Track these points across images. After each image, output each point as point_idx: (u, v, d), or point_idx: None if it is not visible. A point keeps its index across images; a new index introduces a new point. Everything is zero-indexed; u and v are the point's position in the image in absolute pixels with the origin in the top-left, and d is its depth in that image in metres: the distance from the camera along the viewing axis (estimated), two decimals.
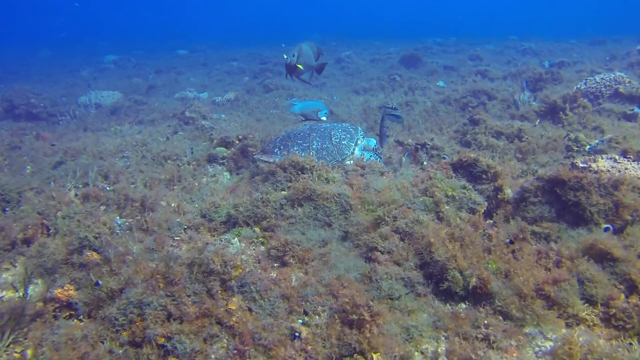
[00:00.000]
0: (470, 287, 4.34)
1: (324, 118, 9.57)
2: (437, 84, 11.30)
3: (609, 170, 5.76)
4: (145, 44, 44.88)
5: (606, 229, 5.04)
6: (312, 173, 6.75)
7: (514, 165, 7.60)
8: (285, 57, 7.84)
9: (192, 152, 9.68)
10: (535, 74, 13.37)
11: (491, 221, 5.97)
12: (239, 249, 5.41)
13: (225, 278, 4.57)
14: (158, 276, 4.59)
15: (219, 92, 18.97)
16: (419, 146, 8.70)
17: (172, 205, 7.32)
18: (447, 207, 5.82)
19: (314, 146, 7.72)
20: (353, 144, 7.87)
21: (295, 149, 7.75)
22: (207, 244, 5.23)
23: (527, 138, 8.83)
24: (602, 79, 10.87)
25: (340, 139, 7.83)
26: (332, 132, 7.90)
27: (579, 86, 11.24)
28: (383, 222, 5.50)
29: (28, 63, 34.90)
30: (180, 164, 9.20)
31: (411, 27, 45.24)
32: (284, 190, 6.69)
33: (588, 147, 8.02)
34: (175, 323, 4.22)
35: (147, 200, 7.21)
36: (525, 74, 14.11)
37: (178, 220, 6.56)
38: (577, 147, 8.07)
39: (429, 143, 8.62)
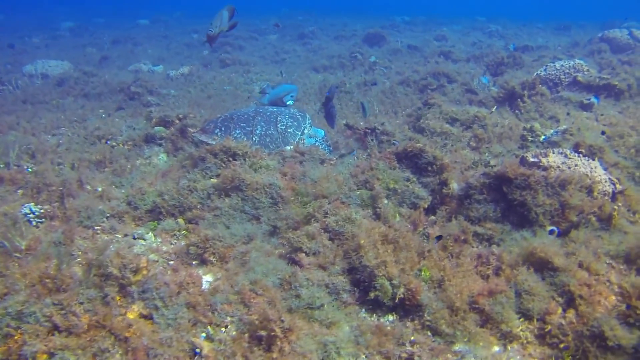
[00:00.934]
0: (397, 298, 3.89)
1: (289, 102, 8.99)
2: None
3: (559, 167, 5.39)
4: (108, 10, 42.81)
5: (551, 232, 4.67)
6: (244, 160, 6.19)
7: (465, 155, 7.19)
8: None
9: (133, 129, 8.94)
10: (497, 58, 12.99)
11: (434, 217, 5.55)
12: (149, 247, 4.82)
13: (124, 283, 4.00)
14: (47, 280, 3.99)
15: (175, 66, 18.01)
16: (369, 131, 8.20)
17: (98, 190, 6.67)
18: (386, 202, 5.35)
19: (257, 131, 7.14)
20: (299, 133, 7.32)
21: (238, 132, 7.16)
22: (109, 242, 4.63)
23: (482, 125, 8.43)
24: (562, 66, 10.55)
25: (287, 126, 7.27)
26: (279, 118, 7.33)
27: (538, 72, 10.91)
28: (313, 219, 5.01)
29: None
30: (114, 143, 8.47)
31: (382, 5, 44.43)
32: (213, 178, 6.11)
33: (542, 137, 7.68)
34: (61, 337, 3.64)
35: (67, 184, 6.53)
36: (488, 57, 13.73)
37: (100, 207, 5.92)
38: (532, 137, 7.72)
39: (379, 128, 8.13)
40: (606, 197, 5.16)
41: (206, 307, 3.90)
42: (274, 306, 3.91)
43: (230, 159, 6.19)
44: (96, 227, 5.66)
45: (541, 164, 5.48)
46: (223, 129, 7.27)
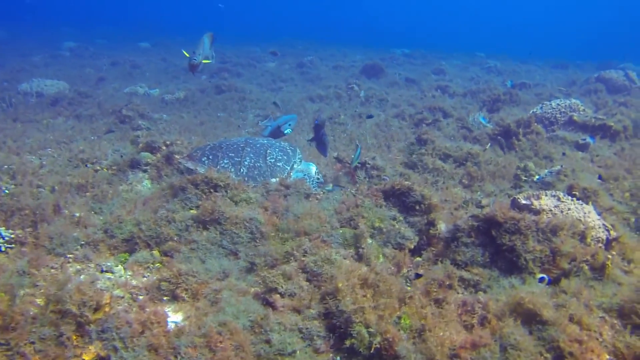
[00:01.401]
0: (373, 348, 3.62)
1: (287, 131, 8.84)
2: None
3: (551, 210, 5.18)
4: (111, 32, 43.12)
5: (541, 279, 4.43)
6: (226, 192, 5.97)
7: (456, 194, 6.99)
8: (186, 54, 7.55)
9: (121, 156, 8.73)
10: (493, 94, 12.95)
11: (420, 259, 5.31)
12: (116, 281, 4.55)
13: (83, 321, 3.73)
14: None
15: (171, 90, 17.98)
16: (359, 165, 8.02)
17: (76, 215, 6.42)
18: (370, 241, 5.12)
19: (245, 162, 6.94)
20: (289, 167, 7.14)
21: (225, 162, 6.96)
22: (70, 276, 4.37)
23: (475, 163, 8.27)
24: (558, 104, 10.47)
25: (276, 160, 7.09)
26: (268, 151, 7.15)
27: (534, 110, 10.82)
28: (292, 257, 4.77)
29: None
30: (99, 167, 8.26)
31: (382, 37, 45.00)
32: (192, 209, 5.88)
33: (537, 177, 7.50)
34: None
35: (42, 208, 6.29)
36: (485, 93, 13.70)
37: (75, 234, 5.66)
38: (526, 176, 7.54)
39: (370, 162, 7.95)
40: (600, 245, 4.94)
41: (169, 350, 3.62)
42: (242, 351, 3.64)
43: (212, 190, 5.97)
44: (68, 256, 5.40)
45: (533, 206, 5.28)
46: (211, 157, 7.08)
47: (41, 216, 6.16)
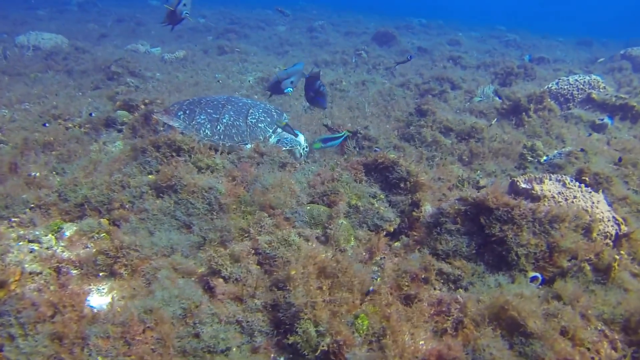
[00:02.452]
0: (319, 351, 3.02)
1: (288, 91, 8.04)
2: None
3: (553, 197, 4.46)
4: None
5: (533, 279, 3.77)
6: (189, 156, 5.33)
7: (451, 171, 6.27)
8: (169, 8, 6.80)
9: (90, 115, 8.05)
10: (506, 67, 12.01)
11: (398, 244, 4.66)
12: (39, 254, 3.97)
13: None
14: None
15: (173, 49, 17.21)
16: (350, 134, 7.31)
17: (33, 174, 5.87)
18: (341, 221, 4.46)
19: (223, 120, 6.28)
20: (270, 130, 6.45)
21: (202, 117, 6.31)
22: None
23: (479, 139, 7.52)
24: (576, 80, 9.57)
25: (258, 120, 6.41)
26: (251, 110, 6.47)
27: (549, 86, 9.93)
28: (247, 235, 4.14)
29: None
30: (71, 124, 7.65)
31: (400, 6, 43.37)
32: (151, 174, 5.27)
33: (544, 158, 6.74)
34: None
35: None
36: (498, 66, 12.75)
37: (24, 196, 5.09)
38: (532, 156, 6.79)
39: (361, 132, 7.23)
40: (607, 241, 4.24)
41: (75, 341, 3.04)
42: (164, 346, 3.05)
43: (174, 154, 5.34)
44: (12, 219, 4.83)
45: (533, 192, 4.56)
46: (187, 112, 6.42)
47: None
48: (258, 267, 3.80)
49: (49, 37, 16.91)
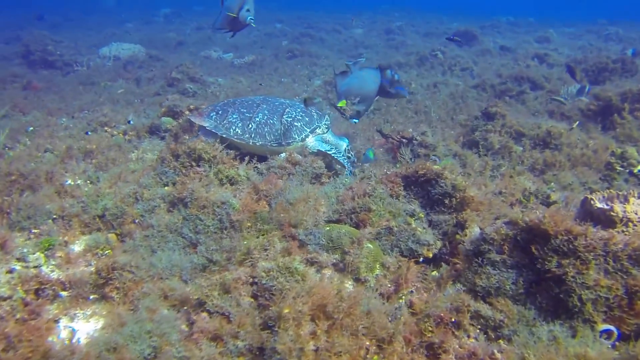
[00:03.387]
0: None
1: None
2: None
3: (638, 222, 3.46)
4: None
5: (604, 332, 2.84)
6: (209, 167, 4.87)
7: (517, 184, 5.31)
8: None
9: (129, 122, 7.81)
10: (599, 62, 10.51)
11: (436, 273, 3.86)
12: (20, 274, 3.62)
13: None
14: None
15: (244, 54, 17.27)
16: (405, 140, 6.54)
17: (68, 183, 5.76)
18: (367, 245, 3.75)
19: (256, 118, 5.80)
20: (308, 130, 5.86)
21: (235, 116, 5.87)
22: None
23: (556, 145, 6.44)
24: None
25: (294, 119, 5.85)
26: (287, 110, 5.94)
27: None
28: (248, 260, 3.56)
29: (90, 11, 34.81)
30: (116, 132, 7.56)
31: (490, 5, 41.14)
32: (167, 185, 4.86)
33: (637, 169, 5.55)
34: None
35: (34, 174, 5.66)
36: (587, 62, 11.24)
37: (48, 206, 4.89)
38: (622, 166, 5.62)
39: (418, 138, 6.43)
40: None
41: None
42: None
43: (193, 163, 4.90)
44: (33, 231, 4.64)
45: (612, 213, 3.57)
46: (220, 112, 6.02)
47: (30, 183, 5.51)
48: (252, 300, 3.21)
49: (128, 47, 17.62)
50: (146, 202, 4.59)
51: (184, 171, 4.86)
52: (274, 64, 15.20)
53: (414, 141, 6.44)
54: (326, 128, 6.12)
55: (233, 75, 12.85)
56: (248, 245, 3.70)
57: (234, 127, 5.76)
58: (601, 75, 10.23)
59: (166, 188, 4.78)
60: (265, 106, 5.95)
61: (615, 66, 10.21)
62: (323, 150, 5.77)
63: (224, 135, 5.74)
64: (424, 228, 4.00)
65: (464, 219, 3.96)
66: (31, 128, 8.05)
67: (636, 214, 3.55)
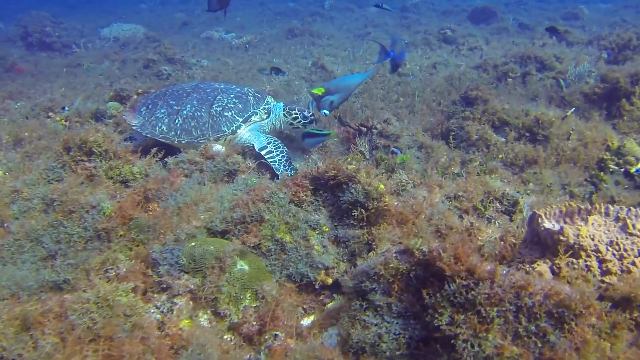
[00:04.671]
0: None
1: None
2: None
3: (597, 251, 2.51)
4: None
5: None
6: (101, 161, 4.11)
7: (483, 184, 4.35)
8: None
9: (63, 109, 7.08)
10: (620, 38, 9.20)
11: (332, 304, 3.02)
12: None
13: None
14: None
15: (243, 34, 16.45)
16: (364, 129, 5.64)
17: None
18: (240, 266, 2.93)
19: (184, 112, 5.02)
20: (240, 119, 5.04)
21: (162, 111, 5.11)
22: None
23: (544, 136, 5.42)
24: None
25: (224, 108, 5.04)
26: (219, 97, 5.13)
27: None
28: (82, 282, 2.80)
29: None
30: (58, 118, 6.89)
31: None
32: (54, 183, 4.14)
33: (635, 168, 4.50)
34: None
35: None
36: (607, 39, 9.90)
37: None
38: (617, 164, 4.58)
39: (378, 126, 5.52)
40: None
41: None
42: None
43: (84, 157, 4.16)
44: None
45: (562, 237, 2.62)
46: (150, 106, 5.26)
47: None
48: (60, 341, 2.45)
49: (129, 28, 17.04)
50: (22, 203, 3.88)
51: (74, 166, 4.13)
52: (270, 44, 14.33)
53: (373, 130, 5.53)
54: (265, 113, 5.28)
55: (219, 56, 12.04)
56: (93, 262, 2.94)
57: (160, 124, 5.01)
58: (621, 54, 8.95)
59: (52, 186, 4.06)
60: (195, 95, 5.15)
61: (638, 43, 8.90)
62: (257, 147, 4.92)
63: (148, 135, 5.00)
64: (323, 246, 3.15)
65: (373, 238, 3.08)
66: None
67: (592, 239, 2.60)
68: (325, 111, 5.20)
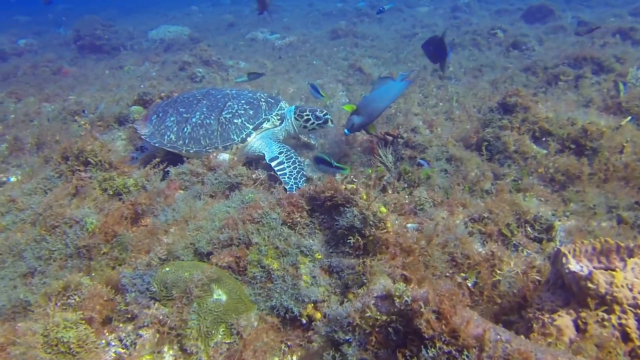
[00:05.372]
0: None
1: None
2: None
3: (635, 305, 2.02)
4: None
5: None
6: (97, 172, 3.92)
7: (514, 203, 3.84)
8: None
9: (83, 112, 7.01)
10: None
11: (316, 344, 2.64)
12: None
13: None
14: None
15: (292, 35, 16.25)
16: (390, 138, 5.21)
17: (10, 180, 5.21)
18: (217, 296, 2.61)
19: (192, 119, 4.78)
20: (250, 126, 4.75)
21: (172, 119, 4.91)
22: None
23: (593, 149, 4.81)
24: None
25: (233, 115, 4.76)
26: (229, 103, 4.86)
27: None
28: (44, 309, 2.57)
29: None
30: (83, 122, 6.84)
31: None
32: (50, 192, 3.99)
33: None
34: None
35: None
36: None
37: None
38: None
39: (404, 135, 5.08)
40: None
41: None
42: None
43: (80, 167, 3.98)
44: None
45: (591, 284, 2.14)
46: (161, 114, 5.07)
47: None
48: None
49: (175, 29, 17.23)
50: (15, 213, 3.74)
51: (71, 176, 3.96)
52: (312, 46, 14.03)
53: (399, 139, 5.09)
54: (278, 119, 4.95)
55: (258, 58, 11.85)
56: (54, 286, 2.70)
57: (168, 133, 4.80)
58: None
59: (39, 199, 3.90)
60: (205, 102, 4.90)
61: None
62: (267, 157, 4.59)
63: (157, 145, 4.79)
64: (313, 277, 2.78)
65: (365, 270, 2.68)
66: (12, 116, 7.60)
67: (631, 289, 2.10)
68: (346, 131, 4.83)
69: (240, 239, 2.97)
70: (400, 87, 4.92)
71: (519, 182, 4.47)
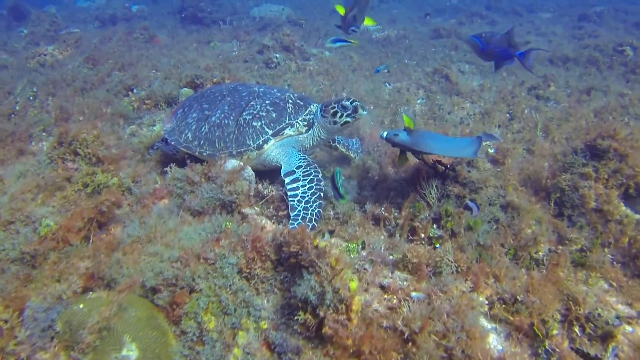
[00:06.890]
0: None
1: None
2: None
3: None
4: None
5: None
6: (84, 165, 3.56)
7: (566, 288, 2.94)
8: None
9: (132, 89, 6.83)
10: None
11: None
12: None
13: None
14: None
15: (391, 29, 15.40)
16: (442, 168, 4.38)
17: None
18: (127, 352, 2.10)
19: (212, 118, 4.30)
20: (270, 131, 4.14)
21: (194, 116, 4.46)
22: None
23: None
24: None
25: (254, 117, 4.18)
26: (252, 102, 4.28)
27: None
28: None
29: None
30: (133, 98, 6.62)
31: None
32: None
33: None
34: None
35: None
36: None
37: None
38: None
39: (456, 169, 4.23)
40: None
41: None
42: None
43: (67, 157, 3.64)
44: None
45: None
46: (186, 109, 4.65)
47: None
48: None
49: (276, 8, 17.15)
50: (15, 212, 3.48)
51: (59, 164, 3.64)
52: (409, 42, 13.11)
53: (449, 172, 4.24)
54: (305, 125, 4.28)
55: (344, 50, 11.17)
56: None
57: (187, 131, 4.34)
58: None
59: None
60: (229, 99, 4.39)
61: None
62: (282, 171, 3.95)
63: (173, 142, 4.37)
64: (247, 353, 2.16)
65: (348, 304, 2.02)
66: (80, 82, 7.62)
67: None
68: (384, 134, 3.98)
69: (185, 281, 2.43)
70: (465, 153, 3.95)
71: (587, 253, 3.48)
